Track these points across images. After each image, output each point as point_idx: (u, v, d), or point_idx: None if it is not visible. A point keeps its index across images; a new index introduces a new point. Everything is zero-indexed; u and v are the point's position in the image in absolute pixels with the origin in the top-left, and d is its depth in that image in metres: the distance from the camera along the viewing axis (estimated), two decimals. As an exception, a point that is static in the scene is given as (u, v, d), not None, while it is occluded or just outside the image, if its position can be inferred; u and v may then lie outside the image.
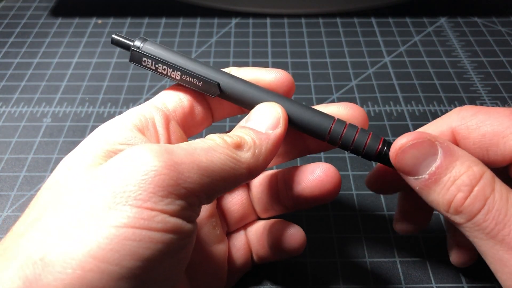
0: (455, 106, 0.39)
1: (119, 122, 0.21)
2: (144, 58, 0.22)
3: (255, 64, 0.44)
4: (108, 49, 0.46)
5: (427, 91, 0.41)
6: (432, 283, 0.27)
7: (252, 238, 0.27)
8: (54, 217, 0.17)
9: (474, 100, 0.40)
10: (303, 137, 0.24)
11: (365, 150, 0.22)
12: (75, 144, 0.36)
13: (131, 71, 0.44)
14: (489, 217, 0.18)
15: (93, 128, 0.38)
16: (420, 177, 0.19)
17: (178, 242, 0.17)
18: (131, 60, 0.22)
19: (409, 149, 0.19)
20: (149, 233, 0.16)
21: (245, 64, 0.44)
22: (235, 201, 0.27)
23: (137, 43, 0.23)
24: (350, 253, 0.29)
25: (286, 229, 0.26)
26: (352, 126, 0.22)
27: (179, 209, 0.17)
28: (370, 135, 0.22)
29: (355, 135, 0.22)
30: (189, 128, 0.23)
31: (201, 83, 0.22)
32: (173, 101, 0.23)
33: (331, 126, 0.22)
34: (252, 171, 0.20)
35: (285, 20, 0.50)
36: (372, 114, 0.39)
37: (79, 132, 0.37)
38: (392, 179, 0.24)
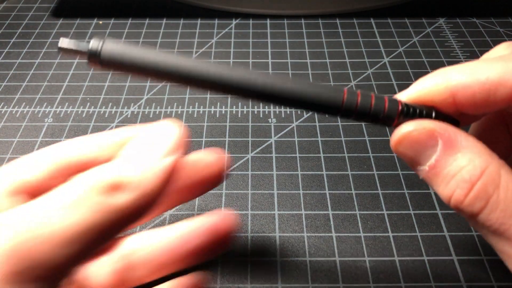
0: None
1: None
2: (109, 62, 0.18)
3: (255, 64, 0.44)
4: (109, 50, 0.47)
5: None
6: (431, 282, 0.28)
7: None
8: None
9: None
10: None
11: (387, 112, 0.19)
12: (76, 144, 0.37)
13: (132, 72, 0.44)
14: (493, 217, 0.16)
15: (94, 128, 0.38)
16: (422, 168, 0.18)
17: None
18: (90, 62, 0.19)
19: (409, 139, 0.18)
20: None
21: (245, 65, 0.44)
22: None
23: (94, 43, 0.19)
24: (349, 252, 0.29)
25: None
26: (363, 91, 0.20)
27: None
28: (386, 98, 0.20)
29: (371, 100, 0.20)
30: None
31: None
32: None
33: (344, 95, 0.20)
34: (138, 217, 0.16)
35: (285, 21, 0.50)
36: (372, 114, 0.39)
37: (81, 132, 0.38)
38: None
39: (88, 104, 0.40)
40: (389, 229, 0.30)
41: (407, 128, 0.18)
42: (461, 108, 0.18)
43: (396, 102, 0.20)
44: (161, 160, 0.16)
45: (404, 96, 0.20)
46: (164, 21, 0.51)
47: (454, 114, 0.19)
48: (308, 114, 0.39)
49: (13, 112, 0.40)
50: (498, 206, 0.16)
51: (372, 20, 0.50)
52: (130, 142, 0.17)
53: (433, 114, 0.19)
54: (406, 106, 0.20)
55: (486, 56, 0.21)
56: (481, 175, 0.17)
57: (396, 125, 0.20)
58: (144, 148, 0.17)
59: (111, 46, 0.18)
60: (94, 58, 0.18)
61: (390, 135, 0.37)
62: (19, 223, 0.14)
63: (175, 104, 0.40)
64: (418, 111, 0.19)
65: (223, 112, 0.39)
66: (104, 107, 0.40)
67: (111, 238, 0.16)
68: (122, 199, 0.15)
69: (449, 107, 0.19)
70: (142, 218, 0.16)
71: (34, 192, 0.18)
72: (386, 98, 0.20)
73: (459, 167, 0.17)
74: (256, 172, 0.34)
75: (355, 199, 0.32)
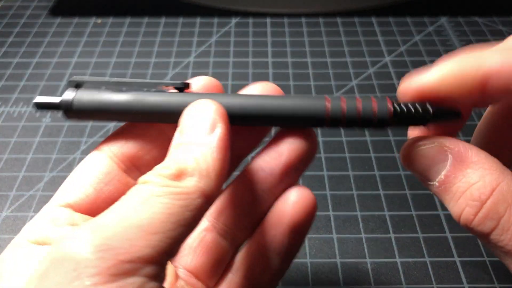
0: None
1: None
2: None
3: (255, 64, 0.44)
4: (108, 49, 0.46)
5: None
6: (433, 284, 0.27)
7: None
8: None
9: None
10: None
11: (377, 115, 0.18)
12: (74, 144, 0.36)
13: (130, 71, 0.43)
14: (505, 238, 0.15)
15: (93, 128, 0.37)
16: (432, 183, 0.17)
17: None
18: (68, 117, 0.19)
19: (418, 154, 0.18)
20: None
21: (245, 64, 0.44)
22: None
23: (68, 94, 0.19)
24: (350, 253, 0.29)
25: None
26: (348, 97, 0.19)
27: (135, 287, 0.14)
28: (374, 99, 0.19)
29: (357, 103, 0.19)
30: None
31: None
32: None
33: (326, 104, 0.19)
34: (209, 195, 0.16)
35: (285, 20, 0.50)
36: (373, 114, 0.38)
37: (78, 132, 0.37)
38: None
39: (87, 103, 0.40)
40: (391, 230, 0.30)
41: (416, 143, 0.18)
42: (489, 95, 0.17)
43: (385, 101, 0.19)
44: (208, 136, 0.17)
45: (427, 79, 0.18)
46: (163, 19, 0.50)
47: (472, 101, 0.18)
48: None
49: (11, 112, 0.39)
50: (510, 226, 0.15)
51: (373, 19, 0.50)
52: (182, 122, 0.18)
53: (431, 110, 0.18)
54: (398, 105, 0.19)
55: (501, 45, 0.19)
56: (491, 193, 0.16)
57: (391, 126, 0.19)
58: (194, 127, 0.17)
59: (83, 97, 0.19)
60: (68, 110, 0.19)
61: (391, 135, 0.37)
62: (109, 219, 0.15)
63: (174, 103, 0.40)
64: (413, 109, 0.18)
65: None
66: (102, 106, 0.40)
67: (195, 224, 0.16)
68: (190, 183, 0.16)
69: (473, 94, 0.17)
70: (218, 195, 0.17)
71: (85, 205, 0.19)
72: (373, 98, 0.19)
73: (469, 183, 0.16)
74: (256, 173, 0.34)
75: (356, 200, 0.32)
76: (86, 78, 0.20)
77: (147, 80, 0.19)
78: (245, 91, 0.21)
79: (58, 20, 0.50)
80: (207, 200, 0.16)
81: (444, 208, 0.31)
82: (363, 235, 0.30)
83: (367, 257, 0.29)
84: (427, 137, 0.18)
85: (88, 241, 0.14)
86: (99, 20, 0.50)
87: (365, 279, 0.28)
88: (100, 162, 0.20)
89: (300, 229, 0.21)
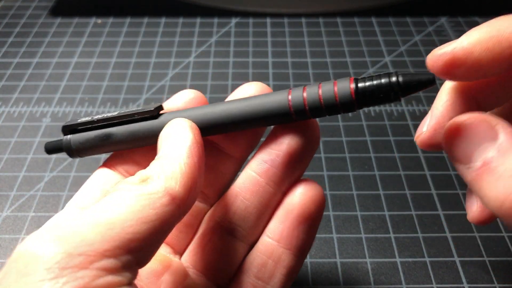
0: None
1: None
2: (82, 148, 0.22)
3: (255, 64, 0.44)
4: (108, 49, 0.46)
5: (428, 90, 0.40)
6: (433, 284, 0.27)
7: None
8: None
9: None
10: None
11: (339, 98, 0.17)
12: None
13: (130, 71, 0.43)
14: None
15: (93, 128, 0.38)
16: (473, 165, 0.16)
17: None
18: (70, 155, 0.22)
19: (463, 132, 0.16)
20: None
21: (245, 64, 0.44)
22: None
23: (66, 139, 0.22)
24: (350, 253, 0.29)
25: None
26: (311, 85, 0.18)
27: (87, 280, 0.14)
28: (336, 82, 0.18)
29: (318, 90, 0.18)
30: None
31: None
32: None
33: (288, 97, 0.18)
34: (176, 195, 0.17)
35: (285, 20, 0.50)
36: (373, 114, 0.38)
37: (79, 132, 0.37)
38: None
39: (87, 103, 0.40)
40: (391, 230, 0.30)
41: (462, 118, 0.16)
42: None
43: (347, 81, 0.17)
44: (177, 149, 0.18)
45: (459, 44, 0.17)
46: (163, 19, 0.50)
47: (508, 66, 0.17)
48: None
49: (11, 112, 0.39)
50: None
51: (373, 19, 0.50)
52: (158, 142, 0.19)
53: (394, 78, 0.17)
54: (360, 79, 0.17)
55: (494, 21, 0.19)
56: None
57: (361, 106, 0.18)
58: (167, 143, 0.19)
59: (78, 139, 0.21)
60: (70, 152, 0.22)
61: (391, 135, 0.37)
62: (57, 224, 0.16)
63: (174, 103, 0.40)
64: (375, 82, 0.17)
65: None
66: (102, 106, 0.40)
67: (162, 223, 0.16)
68: (154, 184, 0.17)
69: (509, 58, 0.16)
70: (190, 197, 0.17)
71: None
72: (335, 82, 0.18)
73: None
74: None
75: (356, 199, 0.32)
76: (74, 122, 0.22)
77: (123, 112, 0.21)
78: (234, 93, 0.21)
79: (58, 20, 0.50)
80: (173, 199, 0.17)
81: (444, 208, 0.31)
82: (363, 235, 0.30)
83: (367, 257, 0.29)
84: (474, 115, 0.16)
85: (42, 238, 0.15)
86: (99, 20, 0.50)
87: (365, 279, 0.28)
88: (106, 173, 0.22)
89: (310, 221, 0.21)
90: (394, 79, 0.17)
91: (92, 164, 0.35)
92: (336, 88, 0.18)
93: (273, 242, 0.21)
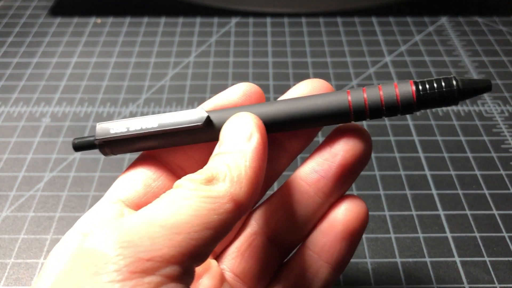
0: (456, 105, 0.39)
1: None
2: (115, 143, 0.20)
3: (255, 64, 0.44)
4: (107, 49, 0.46)
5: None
6: (433, 284, 0.27)
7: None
8: None
9: (475, 99, 0.40)
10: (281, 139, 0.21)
11: (401, 100, 0.18)
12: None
13: (130, 71, 0.43)
14: None
15: (92, 128, 0.37)
16: None
17: None
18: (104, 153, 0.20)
19: None
20: None
21: (245, 64, 0.44)
22: None
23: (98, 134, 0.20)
24: (351, 254, 0.29)
25: None
26: (370, 87, 0.19)
27: (152, 286, 0.14)
28: (396, 84, 0.18)
29: (379, 91, 0.18)
30: None
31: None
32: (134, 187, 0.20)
33: (348, 97, 0.18)
34: (240, 201, 0.16)
35: (285, 20, 0.50)
36: (373, 114, 0.38)
37: (78, 132, 0.37)
38: None
39: (86, 103, 0.40)
40: (391, 230, 0.30)
41: None
42: None
43: (407, 83, 0.18)
44: (243, 145, 0.17)
45: None
46: (163, 19, 0.50)
47: None
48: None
49: (11, 112, 0.39)
50: None
51: (373, 19, 0.50)
52: (221, 134, 0.18)
53: (454, 83, 0.18)
54: (421, 83, 0.18)
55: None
56: None
57: (419, 109, 0.18)
58: (231, 138, 0.18)
59: (115, 129, 0.19)
60: (104, 148, 0.20)
61: (391, 135, 0.37)
62: (135, 218, 0.15)
63: (174, 103, 0.40)
64: (435, 85, 0.18)
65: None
66: (102, 106, 0.40)
67: (224, 229, 0.16)
68: (220, 188, 0.16)
69: None
70: (251, 203, 0.17)
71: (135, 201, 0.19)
72: (395, 84, 0.19)
73: None
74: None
75: (356, 199, 0.32)
76: (107, 136, 0.20)
77: (164, 126, 0.19)
78: (293, 90, 0.21)
79: (58, 20, 0.50)
80: (237, 206, 0.16)
81: (444, 208, 0.31)
82: (363, 235, 0.30)
83: (368, 257, 0.29)
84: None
85: (110, 238, 0.14)
86: (99, 20, 0.50)
87: (366, 279, 0.28)
88: (149, 163, 0.21)
89: (353, 237, 0.20)
90: (454, 83, 0.18)
91: (92, 164, 0.35)
92: (397, 90, 0.18)
93: (313, 254, 0.21)
